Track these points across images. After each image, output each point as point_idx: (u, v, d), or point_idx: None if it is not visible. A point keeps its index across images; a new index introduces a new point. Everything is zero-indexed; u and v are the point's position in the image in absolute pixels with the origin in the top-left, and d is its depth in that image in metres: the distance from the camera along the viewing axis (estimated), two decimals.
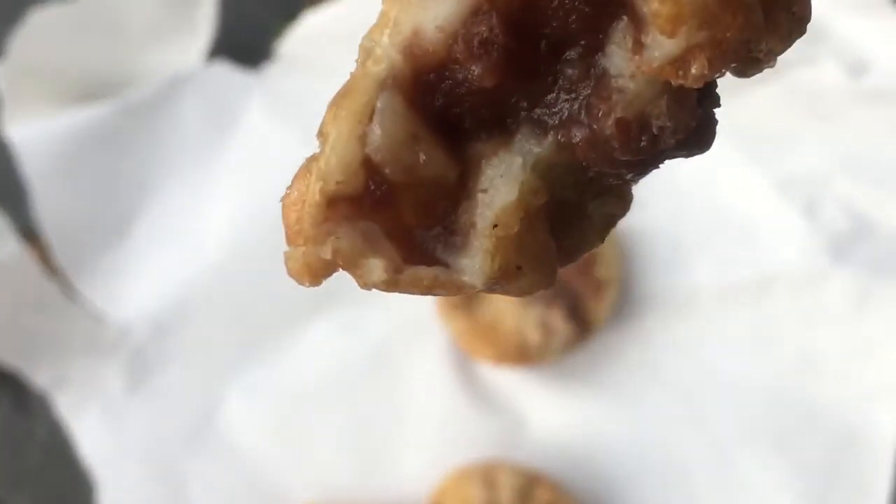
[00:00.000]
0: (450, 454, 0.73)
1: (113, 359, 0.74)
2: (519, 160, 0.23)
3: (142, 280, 0.76)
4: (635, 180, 0.24)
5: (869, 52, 0.75)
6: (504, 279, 0.23)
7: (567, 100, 0.23)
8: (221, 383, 0.75)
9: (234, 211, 0.77)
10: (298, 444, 0.74)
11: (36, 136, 0.74)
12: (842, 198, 0.75)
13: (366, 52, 0.23)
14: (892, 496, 0.72)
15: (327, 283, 0.79)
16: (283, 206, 0.23)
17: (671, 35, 0.22)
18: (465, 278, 0.23)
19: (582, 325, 0.73)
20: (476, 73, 0.22)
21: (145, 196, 0.77)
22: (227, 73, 0.79)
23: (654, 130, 0.22)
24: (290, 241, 0.23)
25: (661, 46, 0.22)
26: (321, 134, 0.23)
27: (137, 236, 0.77)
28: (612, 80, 0.22)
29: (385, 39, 0.22)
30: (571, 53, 0.23)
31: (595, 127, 0.22)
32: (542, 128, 0.23)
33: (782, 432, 0.73)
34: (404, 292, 0.23)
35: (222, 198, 0.77)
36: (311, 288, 0.76)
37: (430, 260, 0.23)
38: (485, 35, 0.22)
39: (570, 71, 0.23)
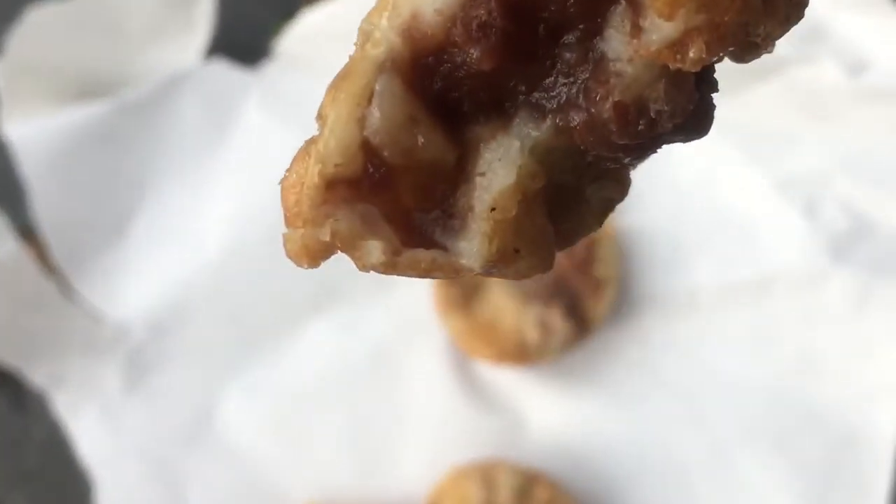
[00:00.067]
0: (449, 453, 0.73)
1: (111, 358, 0.74)
2: (517, 144, 0.23)
3: (140, 279, 0.76)
4: (634, 164, 0.24)
5: (869, 51, 0.75)
6: (502, 262, 0.23)
7: (565, 84, 0.23)
8: (220, 383, 0.75)
9: (232, 210, 0.77)
10: (297, 443, 0.74)
11: (34, 134, 0.74)
12: (842, 197, 0.75)
13: (365, 35, 0.23)
14: (892, 496, 0.71)
15: (326, 283, 0.79)
16: (282, 189, 0.23)
17: (669, 18, 0.22)
18: (463, 261, 0.23)
19: (581, 324, 0.73)
20: (474, 56, 0.22)
21: (143, 195, 0.77)
22: (225, 72, 0.79)
23: (652, 114, 0.22)
24: (288, 223, 0.23)
25: (660, 30, 0.22)
26: (320, 116, 0.23)
27: (136, 235, 0.76)
28: (611, 64, 0.22)
29: (384, 22, 0.22)
30: (570, 37, 0.23)
31: (593, 111, 0.22)
32: (540, 112, 0.23)
33: (782, 432, 0.73)
34: (402, 275, 0.23)
35: (221, 197, 0.77)
36: (310, 288, 0.76)
37: (429, 243, 0.23)
38: (483, 18, 0.22)
39: (568, 55, 0.23)
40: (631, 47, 0.22)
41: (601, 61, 0.22)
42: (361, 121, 0.22)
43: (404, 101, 0.22)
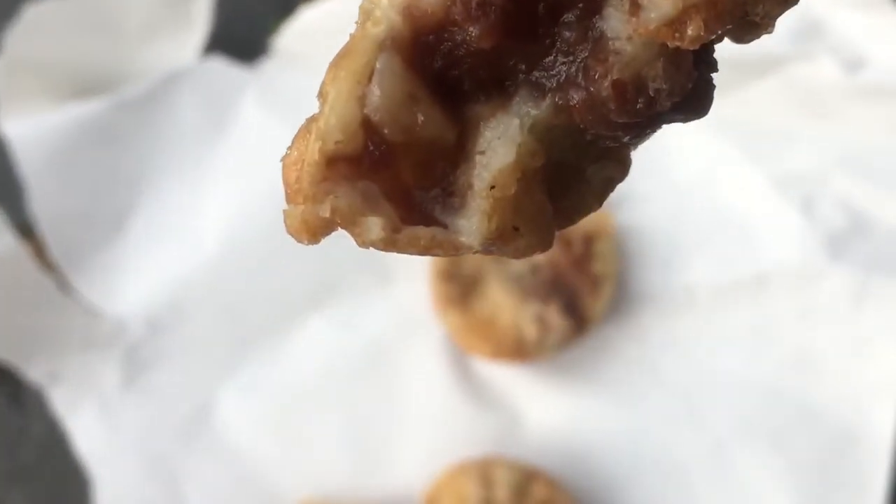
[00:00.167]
0: (446, 450, 0.73)
1: (109, 355, 0.74)
2: (516, 122, 0.23)
3: (138, 276, 0.76)
4: (634, 144, 0.24)
5: (866, 48, 0.75)
6: (501, 240, 0.23)
7: (565, 62, 0.23)
8: (217, 380, 0.75)
9: (230, 207, 0.77)
10: (294, 440, 0.74)
11: (32, 131, 0.74)
12: (839, 195, 0.76)
13: (365, 14, 0.23)
14: (890, 493, 0.72)
15: (324, 281, 0.78)
16: (283, 166, 0.24)
17: None
18: (463, 238, 0.23)
19: (579, 321, 0.73)
20: (474, 34, 0.22)
21: (141, 192, 0.77)
22: (223, 69, 0.79)
23: (651, 92, 0.23)
24: (289, 199, 0.23)
25: (658, 7, 0.22)
26: (321, 94, 0.23)
27: (134, 232, 0.77)
28: (610, 43, 0.23)
29: (384, 1, 0.23)
30: (569, 16, 0.23)
31: (592, 89, 0.23)
32: (539, 90, 0.23)
33: (780, 429, 0.73)
34: (402, 251, 0.23)
35: (219, 194, 0.77)
36: (308, 285, 0.76)
37: (429, 220, 0.23)
38: None
39: (567, 33, 0.23)
40: (630, 25, 0.22)
41: (600, 40, 0.23)
42: (362, 99, 0.22)
43: (404, 79, 0.22)
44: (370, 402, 0.74)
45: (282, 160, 0.24)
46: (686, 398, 0.74)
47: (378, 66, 0.22)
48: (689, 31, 0.22)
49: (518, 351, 0.73)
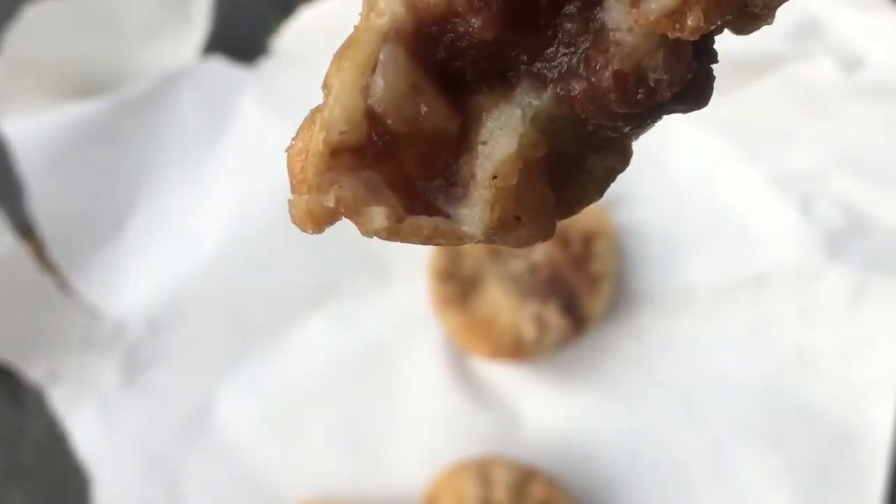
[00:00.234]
0: (445, 450, 0.73)
1: (108, 355, 0.74)
2: (518, 113, 0.23)
3: (138, 276, 0.76)
4: (634, 134, 0.24)
5: (865, 47, 0.75)
6: (503, 230, 0.23)
7: (566, 53, 0.23)
8: (217, 380, 0.75)
9: (230, 207, 0.77)
10: (294, 439, 0.74)
11: (31, 131, 0.75)
12: (837, 194, 0.76)
13: (369, 5, 0.23)
14: (889, 493, 0.72)
15: (323, 280, 0.79)
16: (288, 156, 0.24)
17: None
18: (465, 228, 0.23)
19: (577, 320, 0.73)
20: (476, 25, 0.23)
21: (141, 192, 0.77)
22: (222, 69, 0.79)
23: (651, 83, 0.23)
24: (294, 189, 0.24)
25: None
26: (325, 85, 0.23)
27: (133, 232, 0.77)
28: (610, 34, 0.23)
29: None
30: (570, 7, 0.23)
31: (593, 80, 0.23)
32: (541, 81, 0.23)
33: (778, 429, 0.73)
34: (405, 241, 0.23)
35: (219, 194, 0.77)
36: (308, 285, 0.76)
37: (432, 210, 0.23)
38: None
39: (569, 25, 0.23)
40: (630, 16, 0.22)
41: (601, 31, 0.23)
42: (365, 89, 0.23)
43: (408, 70, 0.23)
44: (370, 401, 0.74)
45: (286, 150, 0.24)
46: (685, 398, 0.74)
47: (382, 57, 0.23)
48: (689, 22, 0.22)
49: (517, 350, 0.73)
